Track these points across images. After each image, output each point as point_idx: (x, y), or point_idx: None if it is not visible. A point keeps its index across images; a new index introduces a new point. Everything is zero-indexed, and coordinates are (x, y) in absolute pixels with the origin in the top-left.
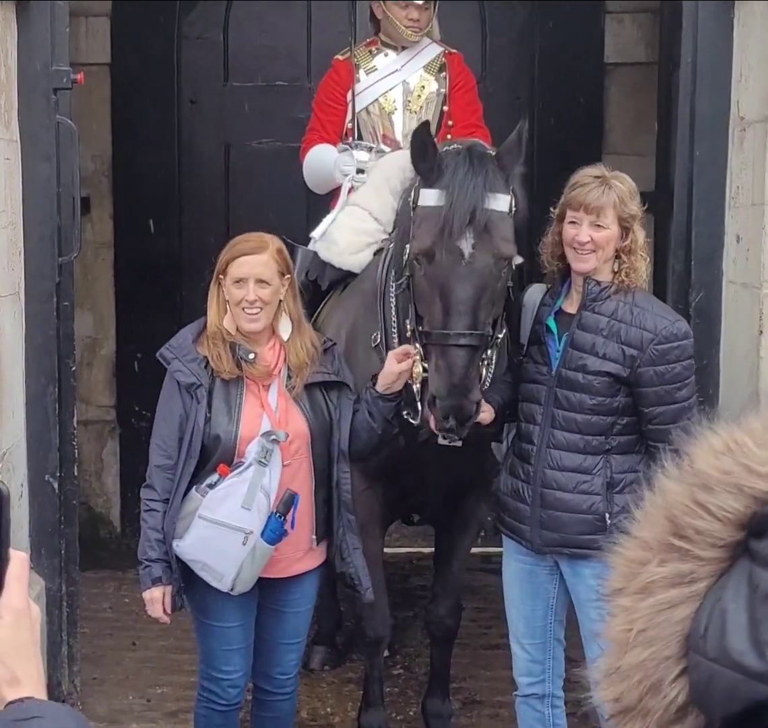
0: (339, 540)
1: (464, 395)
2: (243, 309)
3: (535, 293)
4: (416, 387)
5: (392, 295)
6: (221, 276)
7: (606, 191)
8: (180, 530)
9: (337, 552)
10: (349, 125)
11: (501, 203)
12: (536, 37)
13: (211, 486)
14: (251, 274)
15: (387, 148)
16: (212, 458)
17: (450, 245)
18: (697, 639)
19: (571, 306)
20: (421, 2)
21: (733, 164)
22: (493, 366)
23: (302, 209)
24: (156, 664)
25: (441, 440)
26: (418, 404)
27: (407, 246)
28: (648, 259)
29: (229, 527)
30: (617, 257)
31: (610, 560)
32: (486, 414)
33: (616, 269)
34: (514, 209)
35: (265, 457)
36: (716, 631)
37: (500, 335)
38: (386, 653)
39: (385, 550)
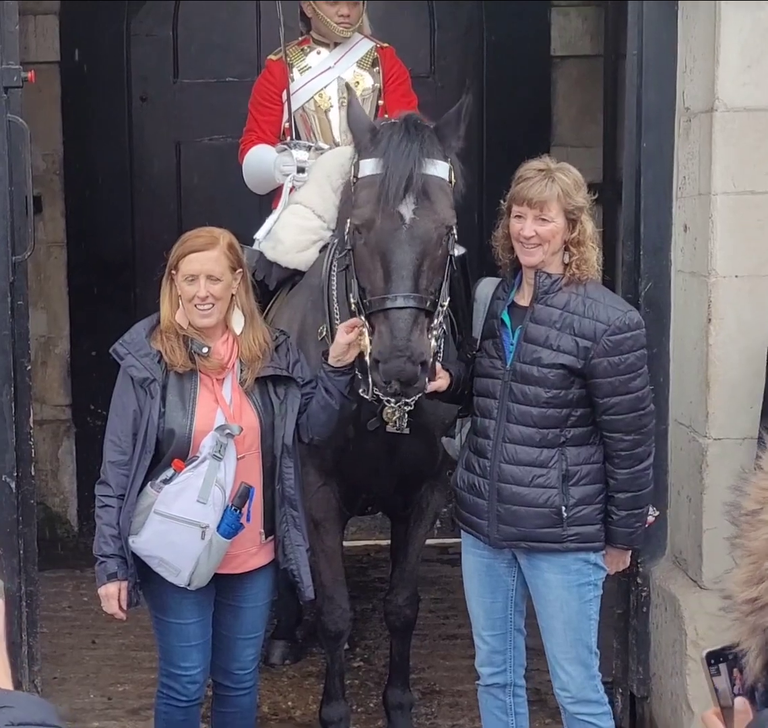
0: (282, 536)
1: (406, 355)
2: (195, 305)
3: (486, 286)
4: (368, 361)
5: (334, 287)
6: (173, 272)
7: (549, 185)
8: (136, 526)
9: (281, 548)
10: (286, 125)
11: (439, 169)
12: (483, 30)
13: (166, 481)
14: (202, 270)
15: (325, 146)
16: (167, 452)
17: (389, 210)
18: None
19: (523, 299)
20: None
21: (680, 155)
22: (441, 339)
23: (254, 205)
24: (116, 662)
25: (389, 428)
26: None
27: (348, 221)
28: (598, 249)
29: (185, 521)
30: (566, 249)
31: (743, 488)
32: (442, 380)
33: (566, 261)
34: (454, 180)
35: (219, 451)
36: None
37: (445, 304)
38: (346, 646)
39: (343, 543)
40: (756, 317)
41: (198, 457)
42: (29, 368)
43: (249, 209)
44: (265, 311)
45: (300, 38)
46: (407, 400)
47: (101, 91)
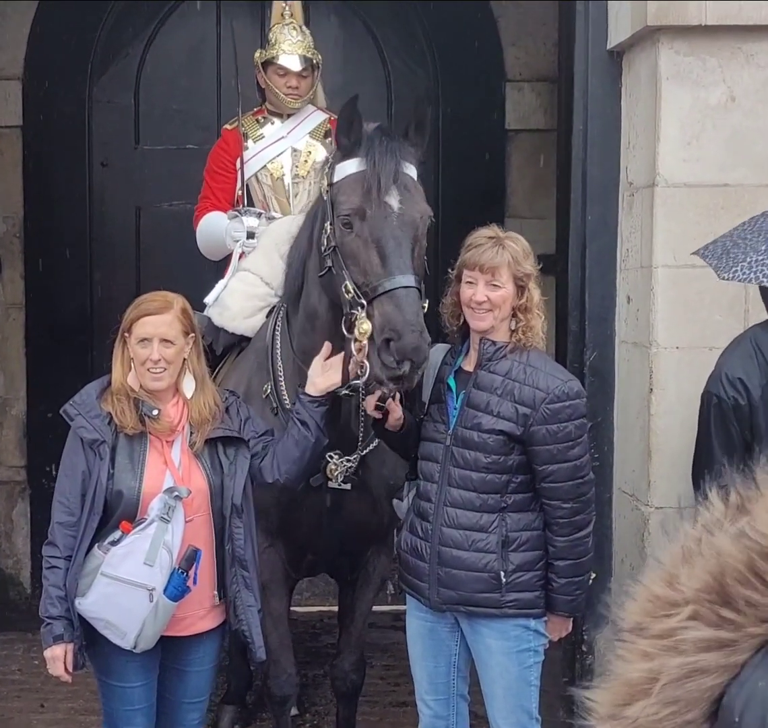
0: (233, 596)
1: (419, 331)
2: (147, 368)
3: (437, 352)
4: (360, 365)
5: (278, 347)
6: (126, 334)
7: (500, 251)
8: (82, 588)
9: (232, 609)
10: (239, 192)
11: (411, 170)
12: (439, 103)
13: (114, 543)
14: (155, 334)
15: (277, 215)
16: (115, 514)
17: (379, 200)
18: (730, 719)
19: (469, 365)
20: (297, 70)
21: (623, 228)
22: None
23: (212, 270)
24: (64, 726)
25: (331, 484)
26: (366, 362)
27: (326, 225)
28: (544, 317)
29: (132, 584)
30: (514, 315)
31: (631, 587)
32: (396, 413)
33: (513, 328)
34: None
35: (167, 513)
36: (755, 720)
37: (424, 305)
38: (296, 711)
39: (296, 609)
40: (696, 388)
41: (146, 519)
42: None
43: (207, 274)
44: (213, 374)
45: (255, 109)
46: (408, 384)
47: (63, 156)
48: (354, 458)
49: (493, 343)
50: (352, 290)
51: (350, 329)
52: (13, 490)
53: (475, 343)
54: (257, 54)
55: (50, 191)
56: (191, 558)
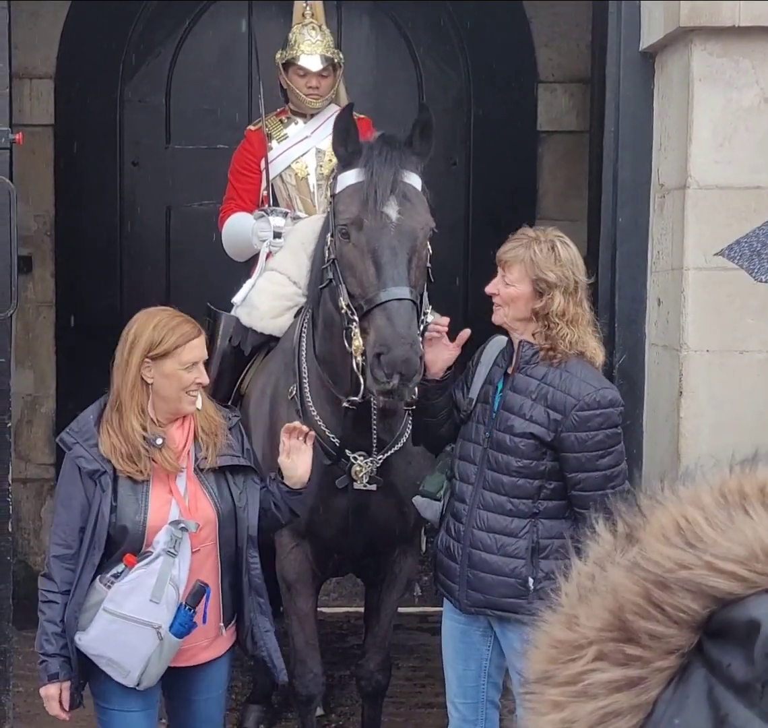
0: (250, 624)
1: (409, 343)
2: (188, 392)
3: (493, 347)
4: (361, 360)
5: (304, 349)
6: (148, 361)
7: (520, 249)
8: (83, 623)
9: (249, 636)
10: (264, 193)
11: (414, 179)
12: (471, 105)
13: (117, 577)
14: (202, 356)
15: (303, 215)
16: (118, 548)
17: (376, 211)
18: None
19: (511, 367)
20: (317, 70)
21: (654, 230)
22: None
23: (242, 270)
24: (89, 723)
25: (357, 485)
26: (361, 377)
27: (327, 237)
28: (574, 329)
29: (138, 622)
30: (535, 319)
31: (532, 636)
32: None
33: (535, 331)
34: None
35: (174, 547)
36: None
37: (427, 311)
38: (322, 711)
39: (323, 610)
40: (726, 392)
41: (151, 553)
42: (9, 425)
43: (237, 273)
44: (241, 376)
45: (279, 109)
46: (401, 400)
47: (94, 155)
48: (378, 459)
49: (531, 345)
50: (344, 306)
51: (350, 344)
52: (42, 488)
53: (516, 344)
54: (278, 55)
55: (81, 189)
56: (199, 593)
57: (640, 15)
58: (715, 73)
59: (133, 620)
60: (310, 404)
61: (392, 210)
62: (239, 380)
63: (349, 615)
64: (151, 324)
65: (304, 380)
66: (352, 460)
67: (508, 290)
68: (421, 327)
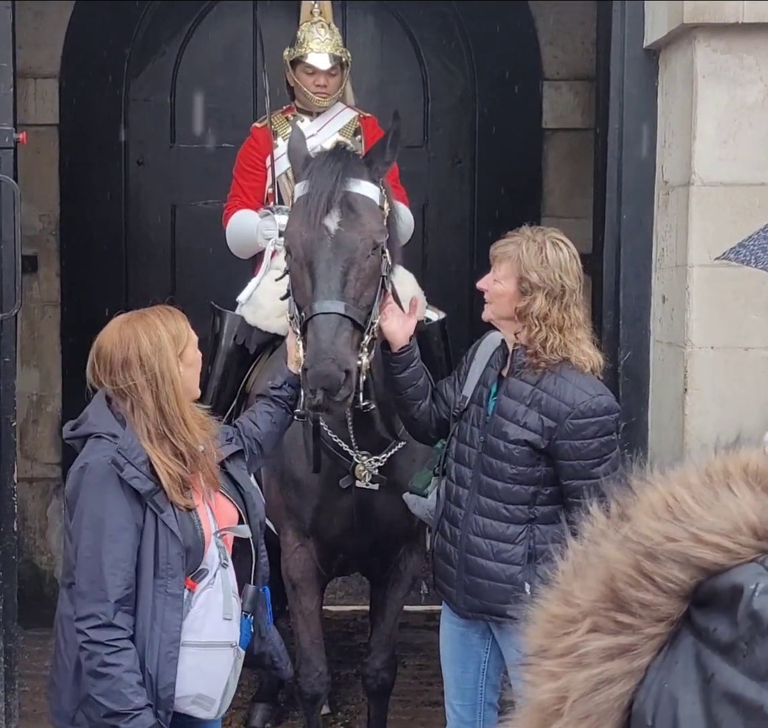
0: (257, 618)
1: (331, 358)
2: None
3: (488, 345)
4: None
5: None
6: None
7: (510, 247)
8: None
9: (256, 631)
10: (270, 190)
11: (364, 188)
12: (476, 102)
13: (186, 603)
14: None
15: None
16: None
17: (315, 223)
18: (643, 725)
19: (505, 370)
20: (326, 68)
21: (659, 227)
22: (372, 354)
23: (247, 268)
24: None
25: (359, 484)
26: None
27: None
28: (556, 333)
29: (219, 645)
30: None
31: (529, 613)
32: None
33: (518, 331)
34: (385, 206)
35: (225, 557)
36: (667, 721)
37: (376, 321)
38: (328, 710)
39: (329, 608)
40: (731, 389)
41: (207, 571)
42: (14, 424)
43: (242, 272)
44: (246, 375)
45: (284, 107)
46: (328, 412)
47: (99, 154)
48: (381, 458)
49: (525, 348)
50: (289, 319)
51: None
52: (48, 487)
53: (510, 346)
54: (286, 52)
55: (86, 189)
56: (255, 599)
57: (643, 12)
58: (719, 69)
59: (214, 645)
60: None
61: (332, 222)
62: (244, 379)
63: (355, 614)
64: (145, 328)
65: None
66: (356, 459)
67: (495, 286)
68: (367, 338)
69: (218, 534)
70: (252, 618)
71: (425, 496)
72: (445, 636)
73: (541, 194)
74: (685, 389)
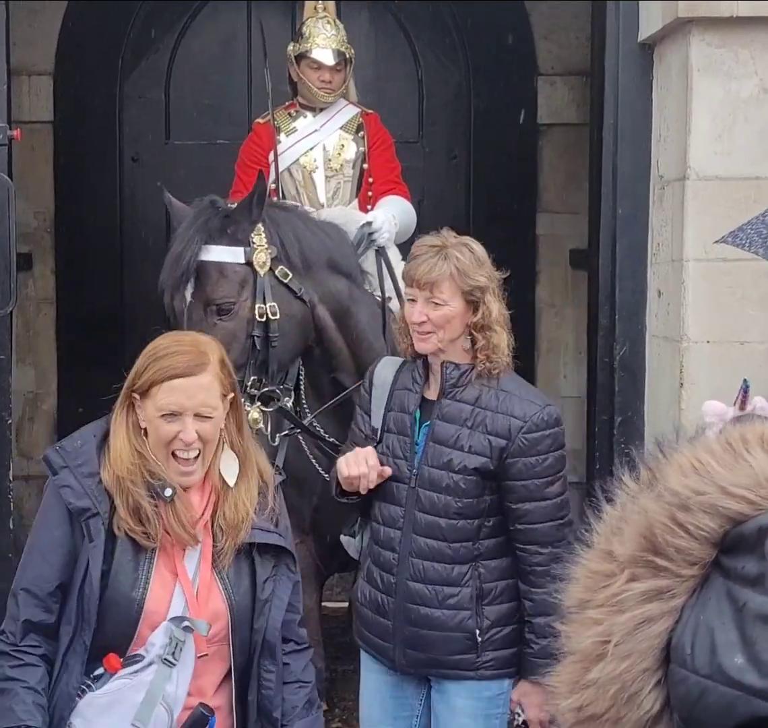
0: None
1: None
2: (174, 452)
3: (385, 369)
4: None
5: None
6: (135, 396)
7: (439, 263)
8: None
9: None
10: (273, 186)
11: (222, 253)
12: (471, 98)
13: (95, 681)
14: (188, 407)
15: (310, 208)
16: (102, 630)
17: (172, 291)
18: (683, 655)
19: (429, 392)
20: (331, 64)
21: (654, 222)
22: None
23: None
24: None
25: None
26: None
27: None
28: (508, 332)
29: None
30: (470, 334)
31: (572, 571)
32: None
33: (466, 347)
34: (254, 260)
35: (173, 653)
36: (705, 649)
37: (249, 383)
38: (325, 706)
39: (327, 604)
40: (727, 383)
41: (141, 657)
42: (10, 422)
43: None
44: None
45: (287, 103)
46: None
47: (93, 151)
48: None
49: (457, 366)
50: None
51: None
52: (43, 485)
53: (436, 366)
54: (290, 47)
55: (81, 186)
56: (199, 723)
57: (638, 7)
58: (714, 63)
59: None
60: (305, 404)
61: (187, 292)
62: None
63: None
64: (147, 349)
65: (301, 381)
66: None
67: (441, 311)
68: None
69: (180, 623)
70: None
71: (353, 536)
72: (371, 692)
73: (536, 189)
74: (681, 384)
